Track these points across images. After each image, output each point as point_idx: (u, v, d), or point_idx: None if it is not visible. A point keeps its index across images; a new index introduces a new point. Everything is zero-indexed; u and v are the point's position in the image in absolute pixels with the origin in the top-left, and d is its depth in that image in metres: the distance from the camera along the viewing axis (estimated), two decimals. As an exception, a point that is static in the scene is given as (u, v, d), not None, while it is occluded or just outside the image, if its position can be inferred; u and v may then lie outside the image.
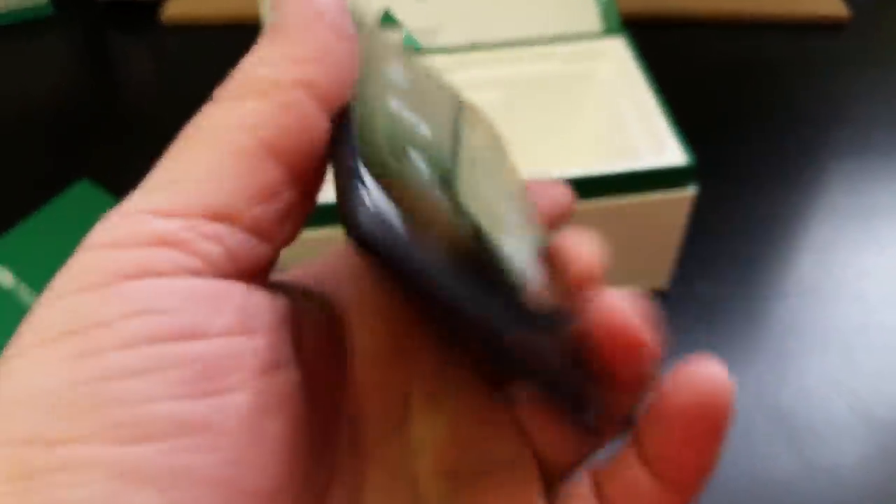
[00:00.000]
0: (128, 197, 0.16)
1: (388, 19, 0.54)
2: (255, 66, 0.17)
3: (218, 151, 0.16)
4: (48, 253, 0.52)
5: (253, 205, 0.16)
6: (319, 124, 0.17)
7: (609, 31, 0.53)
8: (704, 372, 0.19)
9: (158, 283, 0.15)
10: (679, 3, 0.74)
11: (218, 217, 0.15)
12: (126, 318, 0.14)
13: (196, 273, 0.15)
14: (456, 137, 0.18)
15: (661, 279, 0.50)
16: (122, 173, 0.59)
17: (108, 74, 0.71)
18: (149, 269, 0.15)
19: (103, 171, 0.59)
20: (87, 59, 0.73)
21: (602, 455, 0.21)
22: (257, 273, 0.17)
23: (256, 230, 0.16)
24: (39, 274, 0.51)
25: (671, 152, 0.44)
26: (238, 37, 0.66)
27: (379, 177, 0.16)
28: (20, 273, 0.50)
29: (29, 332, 0.14)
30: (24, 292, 0.49)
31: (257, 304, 0.16)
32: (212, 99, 0.17)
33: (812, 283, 0.52)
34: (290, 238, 0.17)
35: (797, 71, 0.69)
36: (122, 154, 0.62)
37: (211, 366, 0.14)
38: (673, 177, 0.43)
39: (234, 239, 0.16)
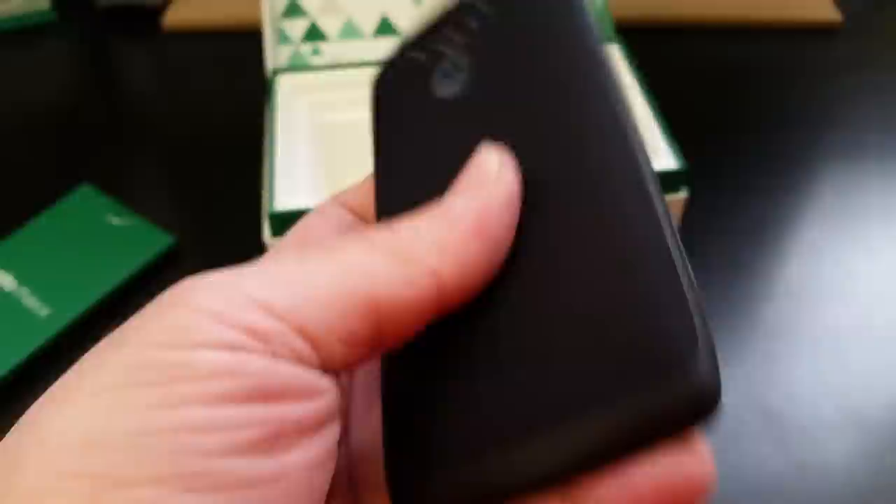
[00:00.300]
0: (245, 268, 0.17)
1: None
2: (412, 233, 0.18)
3: (338, 279, 0.17)
4: (50, 257, 0.53)
5: (335, 342, 0.17)
6: (427, 313, 0.18)
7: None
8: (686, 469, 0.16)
9: (243, 357, 0.16)
10: (672, 10, 0.74)
11: (307, 337, 0.16)
12: (209, 378, 0.15)
13: (269, 371, 0.16)
14: None
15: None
16: (123, 178, 0.60)
17: (110, 80, 0.72)
18: (237, 347, 0.16)
19: (105, 175, 0.60)
20: (89, 65, 0.74)
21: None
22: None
23: (328, 361, 0.17)
24: (41, 278, 0.51)
25: (664, 157, 0.44)
26: (239, 43, 0.67)
27: None
28: (22, 277, 0.51)
29: (111, 372, 0.15)
30: (25, 296, 0.50)
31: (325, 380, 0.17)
32: (366, 230, 0.19)
33: (802, 285, 0.53)
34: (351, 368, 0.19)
35: (789, 75, 0.70)
36: (123, 159, 0.62)
37: (280, 427, 0.16)
38: (665, 181, 0.44)
39: (310, 359, 0.17)
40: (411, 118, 0.23)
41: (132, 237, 0.54)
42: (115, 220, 0.55)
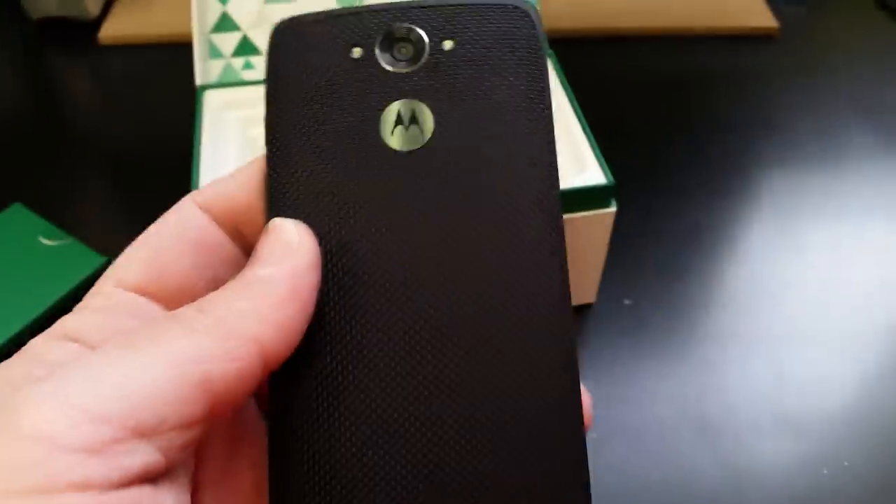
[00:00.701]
0: (71, 371, 0.17)
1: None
2: (227, 307, 0.19)
3: (168, 371, 0.17)
4: (-22, 279, 0.51)
5: (174, 432, 0.17)
6: (255, 379, 0.19)
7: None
8: None
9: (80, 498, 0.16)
10: (608, 20, 0.75)
11: (146, 437, 0.17)
12: None
13: (112, 486, 0.16)
14: None
15: (589, 294, 0.51)
16: (55, 197, 0.59)
17: (44, 94, 0.70)
18: (76, 485, 0.16)
19: (37, 194, 0.58)
20: (23, 79, 0.73)
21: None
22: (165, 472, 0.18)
23: (169, 452, 0.18)
24: (-30, 299, 0.50)
25: (592, 172, 0.44)
26: (176, 55, 0.66)
27: None
28: (-48, 298, 0.50)
29: None
30: (-45, 317, 0.49)
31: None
32: (176, 313, 0.19)
33: (736, 294, 0.53)
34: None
35: (725, 82, 0.71)
36: (56, 177, 0.61)
37: None
38: (594, 196, 0.44)
39: (145, 452, 0.17)
40: (328, 95, 0.22)
41: (64, 258, 0.53)
42: (47, 241, 0.54)
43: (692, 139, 0.65)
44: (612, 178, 0.44)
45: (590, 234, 0.47)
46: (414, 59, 0.22)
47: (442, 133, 0.22)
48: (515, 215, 0.21)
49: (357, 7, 0.23)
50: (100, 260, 0.53)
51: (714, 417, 0.47)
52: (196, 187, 0.44)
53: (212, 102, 0.50)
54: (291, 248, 0.20)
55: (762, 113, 0.68)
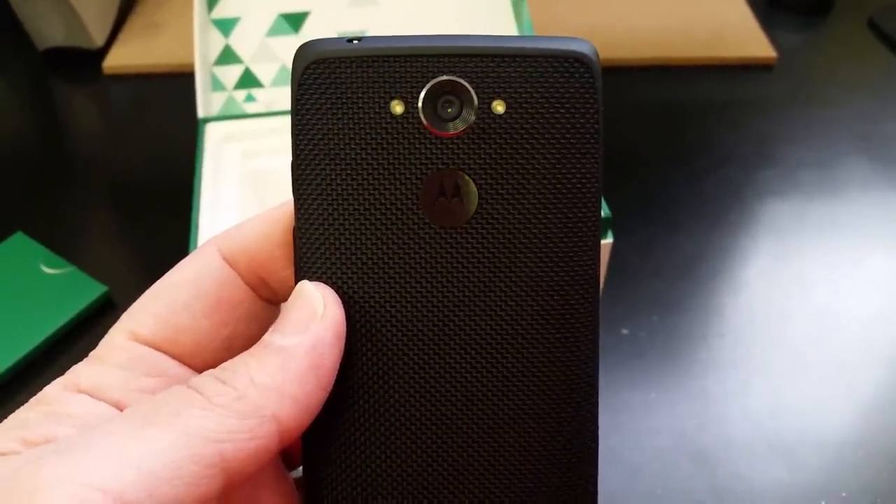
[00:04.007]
0: (85, 446, 0.17)
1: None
2: (247, 381, 0.19)
3: (184, 451, 0.17)
4: (-20, 307, 0.52)
5: None
6: (270, 454, 0.19)
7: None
8: None
9: None
10: (607, 51, 0.75)
11: None
12: None
13: None
14: None
15: (587, 324, 0.52)
16: (57, 226, 0.60)
17: (49, 124, 0.71)
18: None
19: (39, 223, 0.59)
20: (29, 107, 0.74)
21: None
22: None
23: None
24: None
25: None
26: (180, 85, 0.67)
27: None
28: (-46, 326, 0.50)
29: None
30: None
31: None
32: (196, 384, 0.19)
33: (734, 325, 0.53)
34: None
35: (724, 112, 0.71)
36: (58, 206, 0.62)
37: None
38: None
39: None
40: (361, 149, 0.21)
41: (65, 287, 0.54)
42: (49, 270, 0.55)
43: (689, 169, 0.65)
44: (608, 210, 0.45)
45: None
46: (461, 119, 0.20)
47: (485, 211, 0.20)
48: (553, 313, 0.21)
49: (398, 48, 0.20)
50: (101, 289, 0.53)
51: (712, 448, 0.47)
52: (196, 220, 0.44)
53: (213, 135, 0.51)
54: (315, 317, 0.20)
55: (760, 143, 0.68)
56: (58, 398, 0.19)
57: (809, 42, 0.81)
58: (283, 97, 0.55)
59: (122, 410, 0.20)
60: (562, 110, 0.20)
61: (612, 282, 0.49)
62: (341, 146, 0.20)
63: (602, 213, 0.44)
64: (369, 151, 0.20)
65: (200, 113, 0.53)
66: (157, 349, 0.21)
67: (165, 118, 0.70)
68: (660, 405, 0.49)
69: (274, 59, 0.55)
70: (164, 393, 0.19)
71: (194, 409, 0.18)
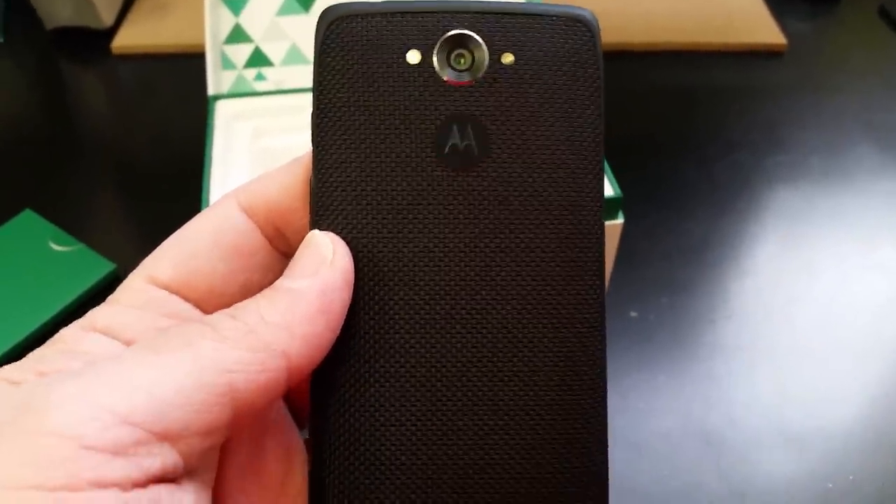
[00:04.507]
0: (101, 370, 0.17)
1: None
2: (258, 318, 0.19)
3: (195, 377, 0.18)
4: (-11, 283, 0.52)
5: (196, 438, 0.18)
6: (278, 391, 0.19)
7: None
8: None
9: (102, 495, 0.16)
10: (617, 36, 0.75)
11: (170, 440, 0.17)
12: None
13: (133, 486, 0.17)
14: None
15: (596, 306, 0.52)
16: (66, 204, 0.60)
17: (58, 103, 0.71)
18: (100, 481, 0.16)
19: (48, 200, 0.59)
20: (37, 87, 0.73)
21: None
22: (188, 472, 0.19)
23: (190, 458, 0.18)
24: (-20, 304, 0.51)
25: (599, 184, 0.45)
26: (189, 65, 0.67)
27: None
28: (-38, 303, 0.50)
29: None
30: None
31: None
32: (208, 319, 0.19)
33: (741, 308, 0.53)
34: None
35: (734, 99, 0.71)
36: (67, 184, 0.62)
37: None
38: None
39: (168, 454, 0.17)
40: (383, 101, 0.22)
41: (74, 264, 0.54)
42: (57, 247, 0.55)
43: (699, 155, 0.65)
44: (619, 191, 0.45)
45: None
46: (472, 70, 0.22)
47: (495, 156, 0.21)
48: (560, 255, 0.21)
49: (416, 5, 0.22)
50: (109, 266, 0.53)
51: (719, 431, 0.47)
52: (206, 196, 0.44)
53: (223, 112, 0.51)
54: (325, 263, 0.20)
55: (769, 129, 0.68)
56: (73, 337, 0.20)
57: (820, 29, 0.81)
58: (292, 76, 0.55)
59: None
60: (564, 62, 0.22)
61: (621, 264, 0.49)
62: (360, 95, 0.22)
63: (613, 193, 0.44)
64: (386, 98, 0.22)
65: (211, 91, 0.53)
66: (174, 292, 0.21)
67: (173, 98, 0.70)
68: (667, 387, 0.49)
69: (284, 37, 0.55)
70: (175, 326, 0.19)
71: (206, 339, 0.18)
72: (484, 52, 0.21)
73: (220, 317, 0.19)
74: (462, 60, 0.22)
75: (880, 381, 0.50)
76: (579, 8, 0.22)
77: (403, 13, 0.22)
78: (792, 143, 0.67)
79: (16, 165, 0.64)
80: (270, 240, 0.22)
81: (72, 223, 0.56)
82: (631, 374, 0.49)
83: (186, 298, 0.21)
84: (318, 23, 0.22)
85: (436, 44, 0.21)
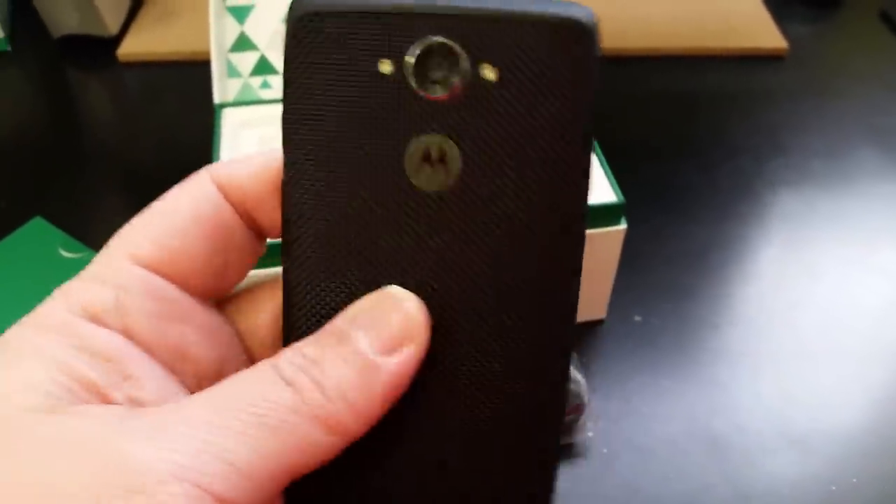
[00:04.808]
0: (178, 434, 0.18)
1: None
2: (336, 393, 0.19)
3: (277, 461, 0.18)
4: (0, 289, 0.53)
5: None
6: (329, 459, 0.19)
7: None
8: None
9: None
10: (619, 41, 0.76)
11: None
12: None
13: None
14: None
15: (600, 310, 0.52)
16: (75, 211, 0.60)
17: (65, 111, 0.72)
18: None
19: (58, 208, 0.60)
20: (44, 95, 0.74)
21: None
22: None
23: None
24: (-10, 311, 0.51)
25: (601, 191, 0.45)
26: (195, 72, 0.67)
27: None
28: (-29, 310, 0.51)
29: None
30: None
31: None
32: (290, 375, 0.19)
33: (745, 313, 0.54)
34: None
35: (735, 103, 0.72)
36: (77, 191, 0.62)
37: None
38: (604, 213, 0.45)
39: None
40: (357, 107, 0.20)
41: (82, 271, 0.54)
42: (67, 254, 0.55)
43: (701, 159, 0.66)
44: (621, 196, 0.45)
45: (600, 251, 0.47)
46: (449, 83, 0.19)
47: (468, 178, 0.20)
48: (531, 287, 0.20)
49: (389, 5, 0.19)
50: (118, 273, 0.54)
51: (723, 434, 0.47)
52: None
53: (230, 120, 0.51)
54: (412, 333, 0.20)
55: (771, 133, 0.68)
56: (63, 319, 0.19)
57: (821, 33, 0.81)
58: (298, 84, 0.56)
59: (131, 339, 0.20)
60: (555, 76, 0.19)
61: (624, 269, 0.50)
62: (329, 103, 0.20)
63: (616, 199, 0.45)
64: (356, 109, 0.20)
65: (217, 99, 0.53)
66: (154, 271, 0.21)
67: (179, 106, 0.70)
68: (672, 391, 0.49)
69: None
70: (261, 383, 0.19)
71: (298, 417, 0.18)
72: (463, 64, 0.19)
73: (303, 379, 0.19)
74: (439, 72, 0.19)
75: (883, 385, 0.50)
76: (578, 7, 0.20)
77: (377, 14, 0.19)
78: (794, 147, 0.67)
79: (25, 173, 0.64)
80: (243, 219, 0.22)
81: (81, 230, 0.57)
82: (635, 378, 0.49)
83: (167, 278, 0.21)
84: (287, 14, 0.20)
85: (409, 52, 0.19)
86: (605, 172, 0.46)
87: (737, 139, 0.68)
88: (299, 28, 0.20)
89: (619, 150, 0.50)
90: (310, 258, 0.21)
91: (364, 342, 0.19)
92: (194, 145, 0.62)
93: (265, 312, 0.24)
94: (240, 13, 0.55)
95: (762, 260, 0.57)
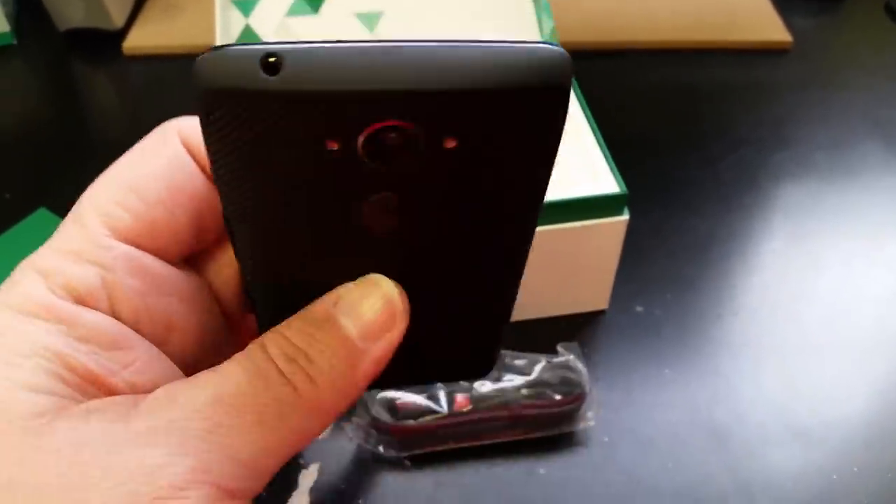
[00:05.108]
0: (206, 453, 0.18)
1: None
2: (328, 375, 0.20)
3: (278, 453, 0.19)
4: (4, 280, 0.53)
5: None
6: None
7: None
8: None
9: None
10: (623, 34, 0.76)
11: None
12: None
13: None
14: None
15: (602, 301, 0.52)
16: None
17: (70, 103, 0.72)
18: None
19: (62, 199, 0.60)
20: (50, 88, 0.74)
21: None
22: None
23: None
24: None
25: (604, 181, 0.45)
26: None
27: None
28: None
29: None
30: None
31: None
32: (285, 367, 0.19)
33: (748, 304, 0.54)
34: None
35: (738, 96, 0.72)
36: (81, 183, 0.62)
37: None
38: (607, 204, 0.45)
39: None
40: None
41: (88, 261, 0.55)
42: (71, 245, 0.56)
43: (705, 152, 0.66)
44: (624, 187, 0.45)
45: (603, 242, 0.47)
46: (404, 155, 0.18)
47: (419, 227, 0.20)
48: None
49: (331, 85, 0.16)
50: (123, 264, 0.54)
51: (725, 425, 0.47)
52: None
53: (234, 111, 0.51)
54: (395, 319, 0.20)
55: (775, 126, 0.68)
56: (57, 310, 0.19)
57: (825, 26, 0.81)
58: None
59: (119, 319, 0.20)
60: (518, 147, 0.18)
61: (627, 260, 0.50)
62: (264, 176, 0.18)
63: (619, 190, 0.45)
64: (299, 180, 0.18)
65: (222, 91, 0.53)
66: (136, 246, 0.20)
67: (184, 99, 0.70)
68: (673, 382, 0.49)
69: (294, 38, 0.56)
70: (258, 378, 0.19)
71: (295, 411, 0.19)
72: (420, 139, 0.17)
73: (297, 375, 0.19)
74: (392, 149, 0.17)
75: (885, 376, 0.50)
76: (550, 54, 0.17)
77: (315, 97, 0.16)
78: (798, 140, 0.67)
79: (30, 165, 0.65)
80: (208, 177, 0.22)
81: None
82: (636, 369, 0.50)
83: (147, 250, 0.21)
84: (195, 76, 0.16)
85: (359, 136, 0.17)
86: (608, 164, 0.46)
87: (740, 132, 0.68)
88: (215, 107, 0.17)
89: (623, 143, 0.51)
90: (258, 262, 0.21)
91: (350, 328, 0.20)
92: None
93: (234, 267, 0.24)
94: (245, 6, 0.56)
95: (765, 252, 0.57)
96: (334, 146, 0.17)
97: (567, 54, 0.17)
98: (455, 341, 0.24)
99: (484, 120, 0.17)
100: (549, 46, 0.17)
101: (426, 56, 0.16)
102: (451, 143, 0.18)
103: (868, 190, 0.63)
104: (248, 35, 0.55)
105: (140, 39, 0.75)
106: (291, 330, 0.20)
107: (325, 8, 0.56)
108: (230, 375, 0.19)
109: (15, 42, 0.76)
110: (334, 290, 0.20)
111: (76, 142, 0.67)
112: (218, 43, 0.54)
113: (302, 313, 0.20)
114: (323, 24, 0.56)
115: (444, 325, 0.23)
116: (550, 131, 0.18)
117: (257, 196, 0.18)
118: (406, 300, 0.21)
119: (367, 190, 0.19)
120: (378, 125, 0.17)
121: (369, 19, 0.56)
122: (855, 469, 0.45)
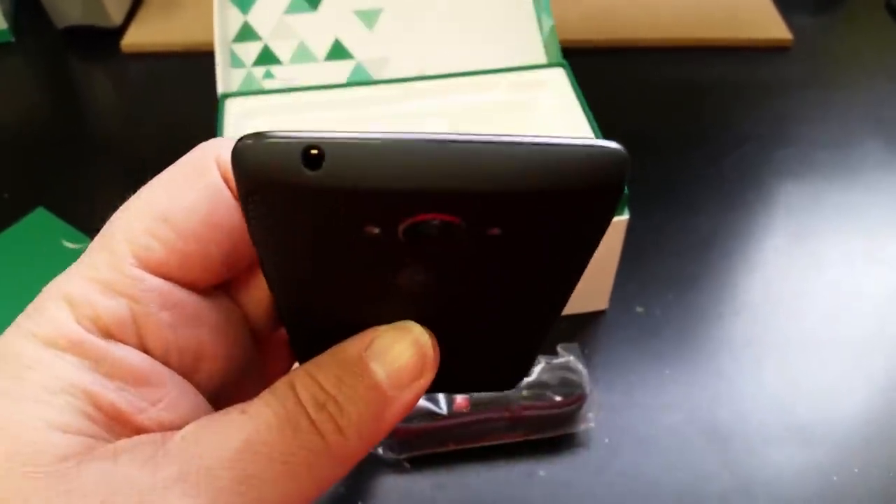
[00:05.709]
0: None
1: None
2: (354, 431, 0.20)
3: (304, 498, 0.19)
4: (1, 281, 0.53)
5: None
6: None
7: (551, 62, 0.55)
8: None
9: None
10: (624, 32, 0.75)
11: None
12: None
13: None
14: None
15: (602, 301, 0.52)
16: (78, 202, 0.60)
17: (68, 101, 0.72)
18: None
19: (60, 198, 0.60)
20: (48, 85, 0.74)
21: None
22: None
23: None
24: (-7, 301, 0.51)
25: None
26: (199, 63, 0.67)
27: None
28: (-25, 301, 0.51)
29: None
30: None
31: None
32: (314, 414, 0.19)
33: (749, 302, 0.54)
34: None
35: (740, 94, 0.71)
36: (79, 182, 0.62)
37: None
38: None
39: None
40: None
41: (86, 261, 0.54)
42: (70, 245, 0.55)
43: (707, 150, 0.65)
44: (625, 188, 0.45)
45: (603, 242, 0.47)
46: (446, 241, 0.17)
47: (458, 290, 0.20)
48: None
49: (372, 178, 0.16)
50: (121, 263, 0.54)
51: (725, 424, 0.47)
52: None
53: (233, 110, 0.51)
54: (425, 373, 0.21)
55: (776, 124, 0.68)
56: (85, 345, 0.18)
57: (826, 24, 0.81)
58: (301, 74, 0.56)
59: (147, 354, 0.19)
60: (563, 237, 0.18)
61: (627, 260, 0.50)
62: (303, 250, 0.18)
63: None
64: (337, 256, 0.18)
65: (220, 89, 0.53)
66: (167, 278, 0.20)
67: (182, 97, 0.70)
68: (674, 381, 0.49)
69: (292, 36, 0.56)
70: (286, 427, 0.19)
71: (322, 460, 0.19)
72: (462, 229, 0.17)
73: (326, 424, 0.19)
74: (435, 234, 0.17)
75: (886, 375, 0.50)
76: (612, 156, 0.16)
77: (357, 191, 0.16)
78: (799, 138, 0.67)
79: (28, 164, 0.64)
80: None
81: (84, 221, 0.57)
82: (637, 369, 0.49)
83: (178, 282, 0.20)
84: (235, 167, 0.16)
85: (400, 225, 0.17)
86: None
87: (742, 130, 0.68)
88: (256, 199, 0.17)
89: (625, 140, 0.50)
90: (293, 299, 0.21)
91: (381, 375, 0.20)
92: (197, 135, 0.61)
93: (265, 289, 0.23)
94: (243, 3, 0.55)
95: (767, 250, 0.57)
96: (374, 231, 0.17)
97: (626, 153, 0.16)
98: (488, 364, 0.24)
99: (532, 215, 0.17)
100: (607, 145, 0.16)
101: (475, 154, 0.16)
102: (494, 231, 0.17)
103: (869, 188, 0.62)
104: (247, 32, 0.55)
105: (138, 37, 0.75)
106: (322, 373, 0.19)
107: (323, 5, 0.56)
108: (259, 418, 0.18)
109: (13, 39, 0.76)
110: (367, 332, 0.20)
111: (74, 140, 0.67)
112: (216, 40, 0.54)
113: (334, 351, 0.20)
114: (322, 21, 0.56)
115: (477, 356, 0.23)
116: (600, 225, 0.18)
117: (294, 263, 0.19)
118: (437, 348, 0.21)
119: (405, 264, 0.19)
120: (421, 218, 0.17)
121: (368, 16, 0.56)
122: (856, 470, 0.45)
